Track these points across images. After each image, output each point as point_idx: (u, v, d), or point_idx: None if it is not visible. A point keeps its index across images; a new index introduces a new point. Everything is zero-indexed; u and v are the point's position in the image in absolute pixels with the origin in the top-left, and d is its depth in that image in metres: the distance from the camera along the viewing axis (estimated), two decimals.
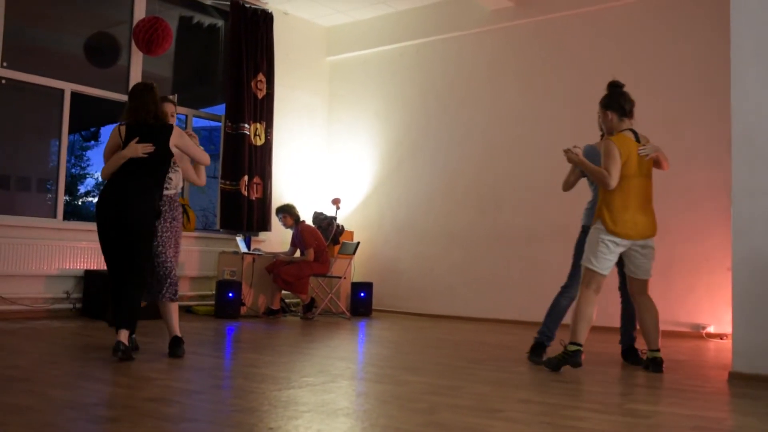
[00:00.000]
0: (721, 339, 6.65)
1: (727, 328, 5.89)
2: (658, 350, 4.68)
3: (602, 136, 4.97)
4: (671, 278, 7.09)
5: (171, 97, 5.36)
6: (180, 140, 4.69)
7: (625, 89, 4.80)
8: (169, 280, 4.72)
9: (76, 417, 3.04)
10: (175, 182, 4.99)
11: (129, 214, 4.52)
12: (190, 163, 5.07)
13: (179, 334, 4.76)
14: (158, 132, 4.63)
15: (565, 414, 3.30)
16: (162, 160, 4.66)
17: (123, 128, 4.62)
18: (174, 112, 5.11)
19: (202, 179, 5.13)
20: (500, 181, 8.41)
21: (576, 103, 7.90)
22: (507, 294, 8.19)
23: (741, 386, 4.20)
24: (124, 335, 4.42)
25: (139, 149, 4.52)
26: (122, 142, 4.59)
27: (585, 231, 4.85)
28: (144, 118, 4.61)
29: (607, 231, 4.52)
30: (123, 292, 4.55)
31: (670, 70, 7.35)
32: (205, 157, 4.90)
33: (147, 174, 4.62)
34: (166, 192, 4.86)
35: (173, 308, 4.76)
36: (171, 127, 4.70)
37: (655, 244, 4.71)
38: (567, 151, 4.77)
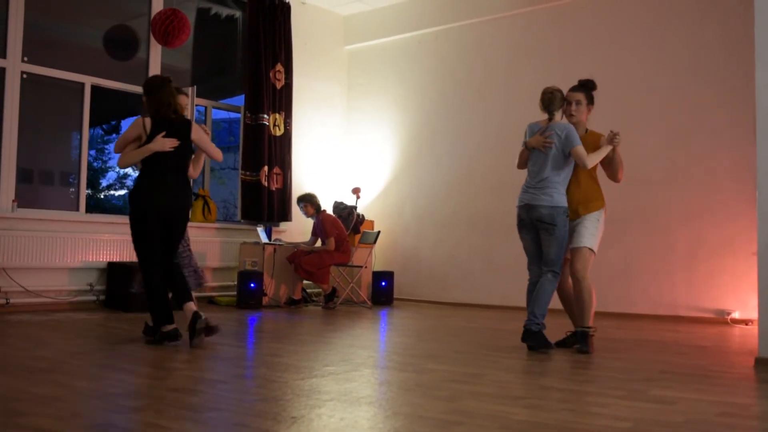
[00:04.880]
0: (747, 325, 6.57)
1: (753, 313, 5.82)
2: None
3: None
4: (695, 263, 7.02)
5: (185, 89, 5.45)
6: (198, 135, 4.85)
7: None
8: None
9: (101, 407, 3.07)
10: None
11: (175, 206, 4.80)
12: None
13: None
14: (180, 126, 4.76)
15: (589, 401, 3.27)
16: (185, 154, 4.80)
17: (148, 121, 4.69)
18: (188, 104, 5.22)
19: (197, 171, 5.12)
20: None
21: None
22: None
23: None
24: (190, 308, 4.62)
25: (166, 144, 4.65)
26: (146, 135, 4.66)
27: (567, 215, 4.82)
28: (166, 112, 4.71)
29: (604, 214, 4.87)
30: (174, 274, 4.79)
31: (692, 52, 7.24)
32: (218, 153, 5.04)
33: (179, 168, 4.81)
34: None
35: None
36: (190, 122, 4.85)
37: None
38: (617, 135, 4.80)
